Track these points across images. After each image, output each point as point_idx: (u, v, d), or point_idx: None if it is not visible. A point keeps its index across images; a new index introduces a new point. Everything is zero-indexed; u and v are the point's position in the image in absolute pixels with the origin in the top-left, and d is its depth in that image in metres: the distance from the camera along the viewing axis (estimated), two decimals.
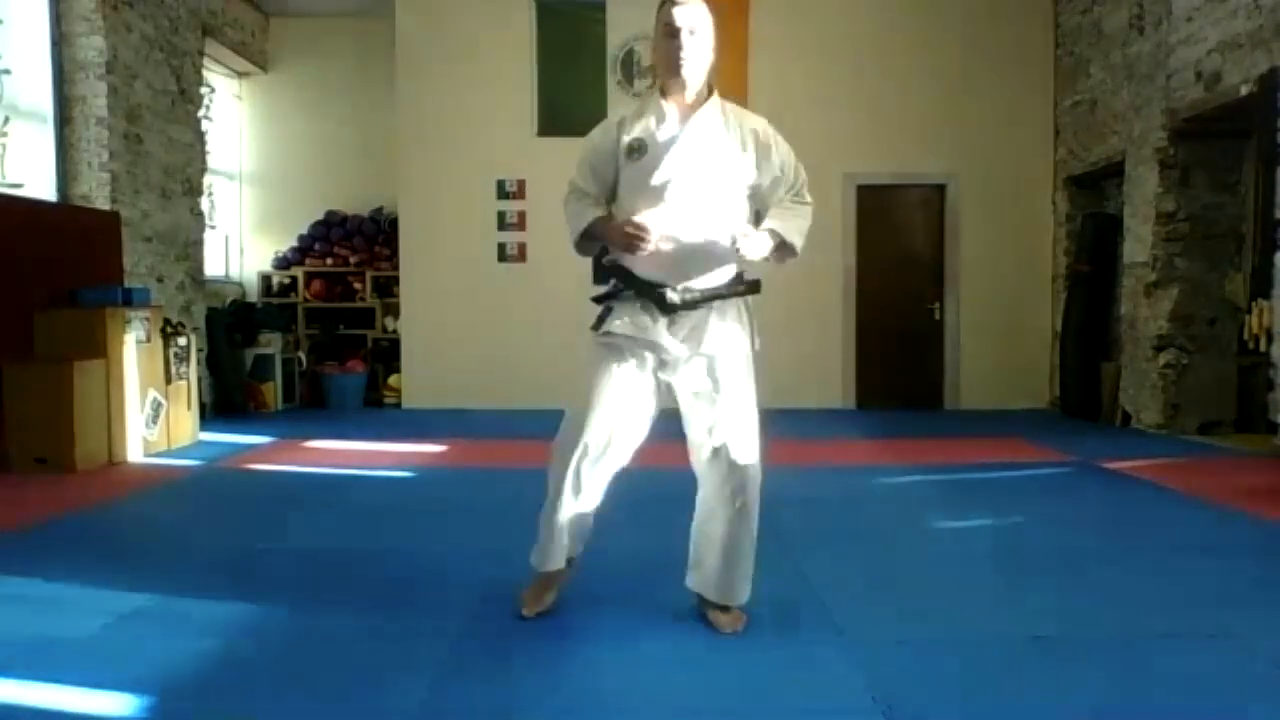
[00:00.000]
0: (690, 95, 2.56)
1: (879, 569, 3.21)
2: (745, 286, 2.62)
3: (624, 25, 7.94)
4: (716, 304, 2.56)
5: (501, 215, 8.12)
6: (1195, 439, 6.19)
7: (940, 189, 8.07)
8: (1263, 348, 5.40)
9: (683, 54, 2.49)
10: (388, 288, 8.63)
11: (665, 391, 2.62)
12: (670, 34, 2.50)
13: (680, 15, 2.49)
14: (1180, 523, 3.94)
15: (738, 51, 8.00)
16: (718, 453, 2.57)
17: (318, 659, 2.39)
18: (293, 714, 2.09)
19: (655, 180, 2.49)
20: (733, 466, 2.57)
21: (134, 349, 5.53)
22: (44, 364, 5.12)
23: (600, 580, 3.03)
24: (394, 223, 8.40)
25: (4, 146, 5.72)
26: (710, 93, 2.58)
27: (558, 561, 2.66)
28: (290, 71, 8.88)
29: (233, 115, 8.83)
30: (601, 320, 2.57)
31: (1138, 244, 6.68)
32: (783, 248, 2.58)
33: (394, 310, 8.48)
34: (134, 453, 5.47)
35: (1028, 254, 8.06)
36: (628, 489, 3.13)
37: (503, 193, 8.11)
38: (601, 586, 2.97)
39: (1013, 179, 8.01)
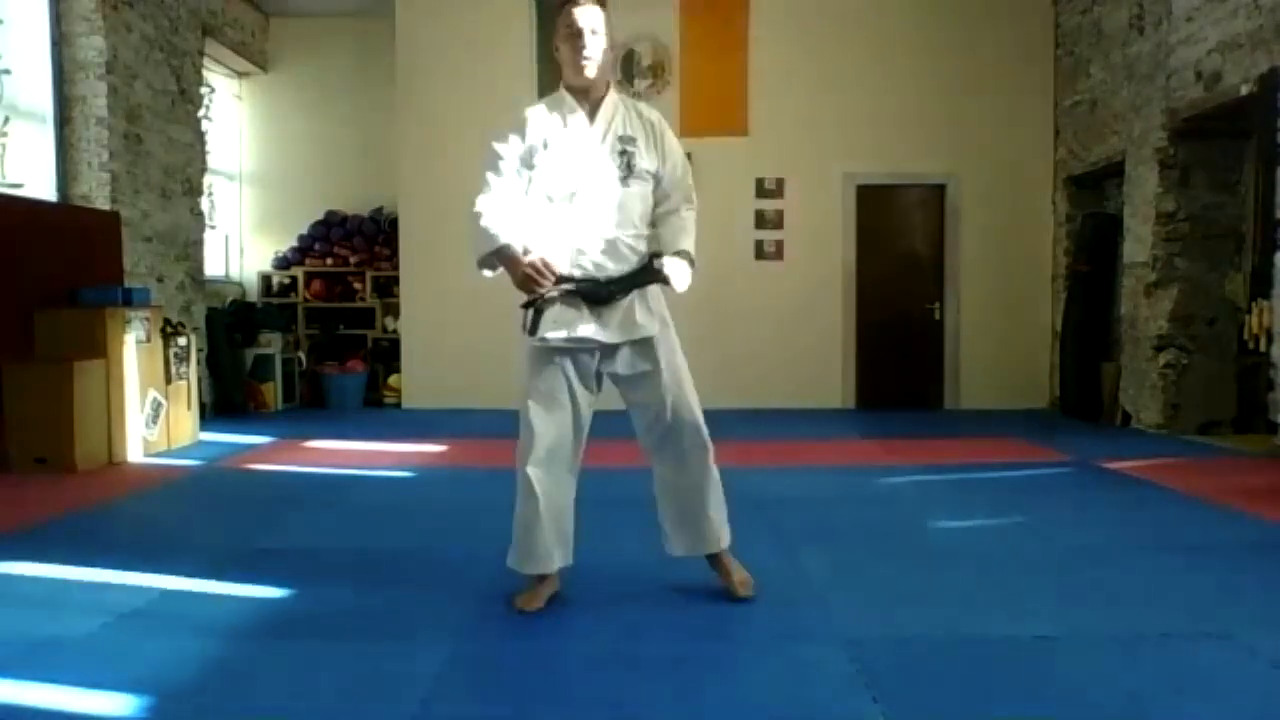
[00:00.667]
0: (594, 92, 2.73)
1: (879, 569, 3.21)
2: (656, 276, 2.72)
3: (624, 25, 7.88)
4: (637, 291, 2.71)
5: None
6: (1195, 439, 6.19)
7: (940, 189, 8.07)
8: (1263, 348, 5.41)
9: (586, 53, 2.65)
10: (388, 288, 8.63)
11: (601, 380, 2.79)
12: (573, 34, 2.66)
13: (581, 16, 2.66)
14: (1180, 523, 3.94)
15: (737, 51, 8.01)
16: (676, 422, 2.75)
17: (317, 659, 2.39)
18: (292, 714, 2.08)
19: (566, 177, 2.66)
20: (691, 431, 2.77)
21: (134, 349, 5.54)
22: (44, 364, 5.12)
23: (599, 580, 3.03)
24: (394, 223, 8.40)
25: (4, 146, 5.72)
26: (607, 88, 2.76)
27: (539, 566, 2.73)
28: (290, 71, 8.88)
29: (233, 115, 8.83)
30: (534, 324, 2.67)
31: (1138, 244, 6.68)
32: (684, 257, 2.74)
33: (394, 310, 8.48)
34: (134, 453, 5.47)
35: (1028, 254, 8.06)
36: (620, 491, 3.14)
37: None
38: (600, 587, 2.98)
39: (1013, 179, 8.02)
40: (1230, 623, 2.60)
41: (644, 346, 2.73)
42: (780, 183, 8.05)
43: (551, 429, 2.69)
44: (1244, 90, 5.50)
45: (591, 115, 2.71)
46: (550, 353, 2.70)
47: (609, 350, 2.72)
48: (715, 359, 7.65)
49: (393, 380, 8.40)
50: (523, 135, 2.70)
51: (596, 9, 2.69)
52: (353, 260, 8.65)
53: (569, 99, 2.73)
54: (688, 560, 3.01)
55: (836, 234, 8.06)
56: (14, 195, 5.57)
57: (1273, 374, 5.28)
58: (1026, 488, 4.66)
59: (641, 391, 2.77)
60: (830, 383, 8.09)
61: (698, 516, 2.82)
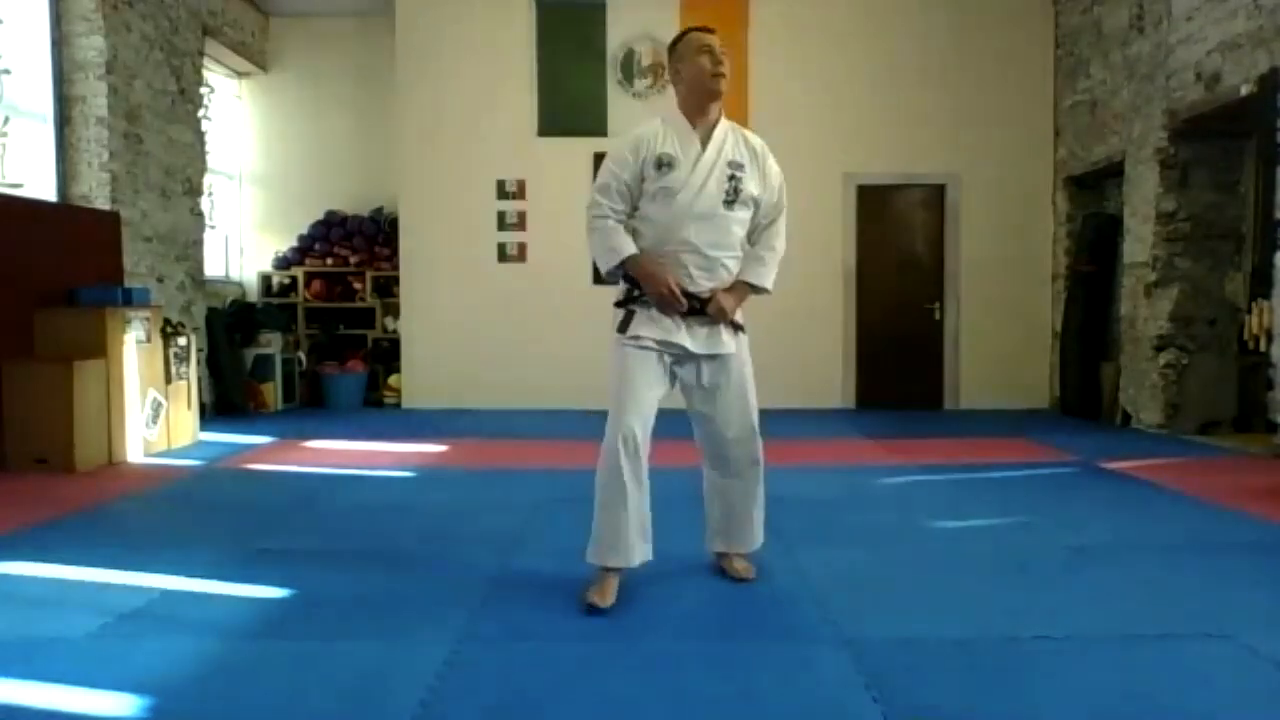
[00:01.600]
0: (711, 116, 2.88)
1: (879, 569, 3.21)
2: (738, 325, 2.97)
3: (624, 25, 7.94)
4: None
5: (501, 215, 8.12)
6: (1195, 439, 6.19)
7: (940, 189, 8.07)
8: (1263, 348, 5.41)
9: (722, 74, 2.82)
10: (388, 288, 8.63)
11: (671, 380, 2.94)
12: (711, 58, 2.82)
13: (712, 38, 2.85)
14: (1180, 523, 3.94)
15: (738, 52, 8.00)
16: (738, 434, 2.95)
17: (317, 659, 2.39)
18: (292, 714, 2.08)
19: (684, 193, 2.80)
20: (750, 443, 2.97)
21: (134, 349, 5.54)
22: (44, 364, 5.12)
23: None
24: (394, 223, 8.40)
25: (4, 146, 5.72)
26: (719, 115, 2.90)
27: (624, 559, 2.78)
28: (290, 71, 8.88)
29: (233, 115, 8.83)
30: (626, 324, 2.84)
31: (1138, 244, 6.69)
32: (755, 290, 2.94)
33: (394, 310, 8.48)
34: (134, 453, 5.47)
35: (1028, 254, 8.06)
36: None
37: (503, 193, 8.11)
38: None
39: (1013, 179, 8.02)
40: (1230, 623, 2.60)
41: (722, 362, 2.91)
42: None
43: (639, 423, 2.78)
44: (1244, 90, 5.50)
45: (705, 140, 2.85)
46: (639, 351, 2.82)
47: (689, 359, 2.88)
48: None
49: (393, 380, 8.40)
50: (636, 155, 2.84)
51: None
52: (353, 260, 8.65)
53: (683, 122, 2.87)
54: (688, 561, 3.07)
55: (836, 234, 8.06)
56: (14, 195, 5.57)
57: (1273, 374, 5.28)
58: (1027, 488, 4.66)
59: (710, 404, 2.94)
60: (830, 383, 8.09)
61: (742, 522, 3.03)
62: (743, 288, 2.91)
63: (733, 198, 2.82)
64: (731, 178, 2.83)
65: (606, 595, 2.75)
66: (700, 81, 2.84)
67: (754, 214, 2.92)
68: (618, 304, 2.88)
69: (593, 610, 2.69)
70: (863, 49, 7.99)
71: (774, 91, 7.97)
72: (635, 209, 2.87)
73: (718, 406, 2.93)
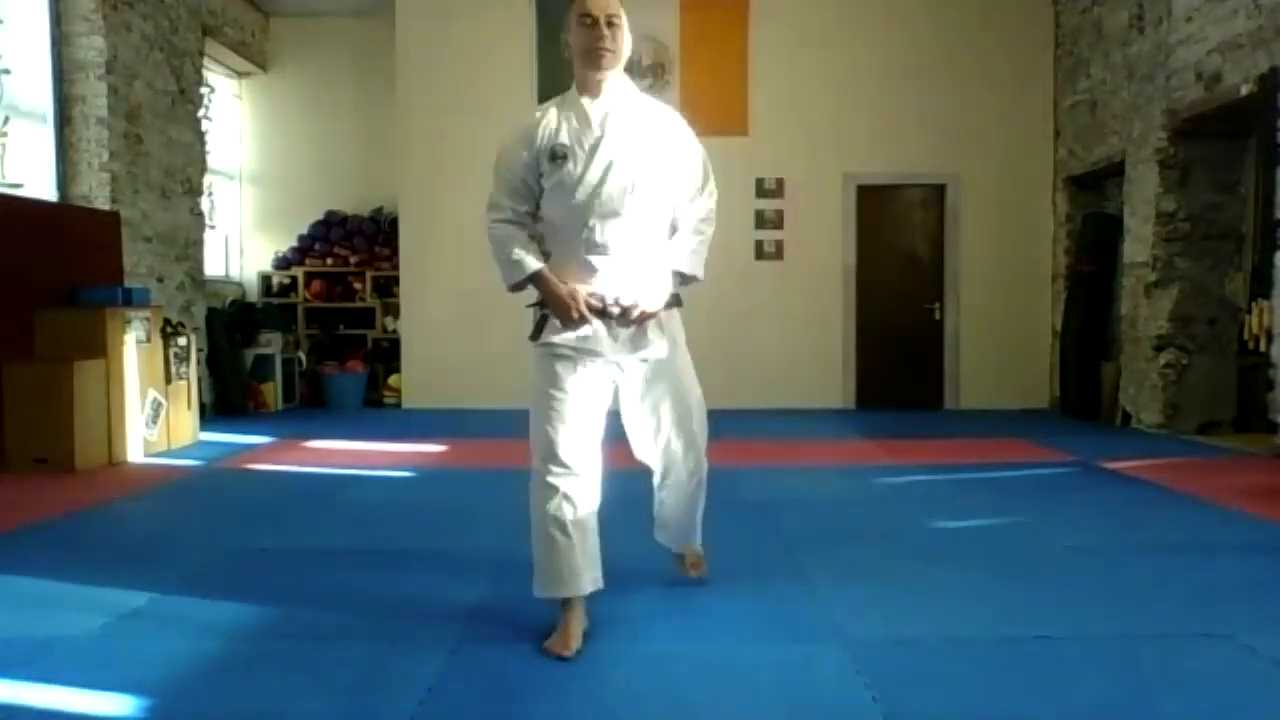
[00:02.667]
0: (608, 89, 2.51)
1: (879, 569, 3.20)
2: (672, 299, 2.61)
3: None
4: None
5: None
6: (1195, 439, 6.19)
7: (940, 189, 8.07)
8: (1263, 348, 5.40)
9: (602, 44, 2.44)
10: (388, 288, 8.63)
11: (608, 384, 2.60)
12: (587, 22, 2.45)
13: (595, 4, 2.44)
14: (1180, 523, 3.94)
15: (737, 51, 8.01)
16: (676, 440, 2.72)
17: (317, 659, 2.39)
18: (292, 714, 2.08)
19: (579, 189, 2.45)
20: (689, 451, 2.75)
21: (134, 349, 5.54)
22: (44, 364, 5.12)
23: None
24: (394, 223, 8.40)
25: (4, 146, 5.72)
26: (623, 88, 2.54)
27: (567, 588, 2.44)
28: (290, 71, 8.88)
29: (233, 115, 8.83)
30: (539, 329, 2.52)
31: (1138, 244, 6.68)
32: (686, 280, 2.63)
33: (394, 310, 8.48)
34: (134, 453, 5.47)
35: (1028, 254, 8.06)
36: (620, 491, 3.14)
37: None
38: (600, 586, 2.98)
39: (1013, 179, 8.02)
40: (1230, 623, 2.59)
41: (651, 367, 2.59)
42: (780, 183, 8.05)
43: (569, 433, 2.45)
44: (1244, 90, 5.50)
45: (605, 120, 2.48)
46: (562, 360, 2.48)
47: (617, 365, 2.55)
48: (714, 359, 7.62)
49: (393, 380, 8.40)
50: (529, 144, 2.49)
51: None
52: (353, 260, 8.65)
53: (581, 105, 2.50)
54: (687, 576, 3.03)
55: (836, 234, 8.06)
56: (14, 195, 5.57)
57: (1273, 374, 5.28)
58: (1026, 488, 4.65)
59: (644, 407, 2.66)
60: (830, 383, 8.09)
61: (689, 519, 2.94)
62: (672, 279, 2.58)
63: (644, 186, 2.47)
64: (637, 163, 2.46)
65: (566, 641, 2.38)
66: (584, 52, 2.46)
67: (671, 196, 2.57)
68: (530, 305, 2.59)
69: (560, 658, 2.35)
70: (863, 49, 7.99)
71: (774, 91, 7.98)
72: (537, 206, 2.54)
73: (653, 413, 2.64)
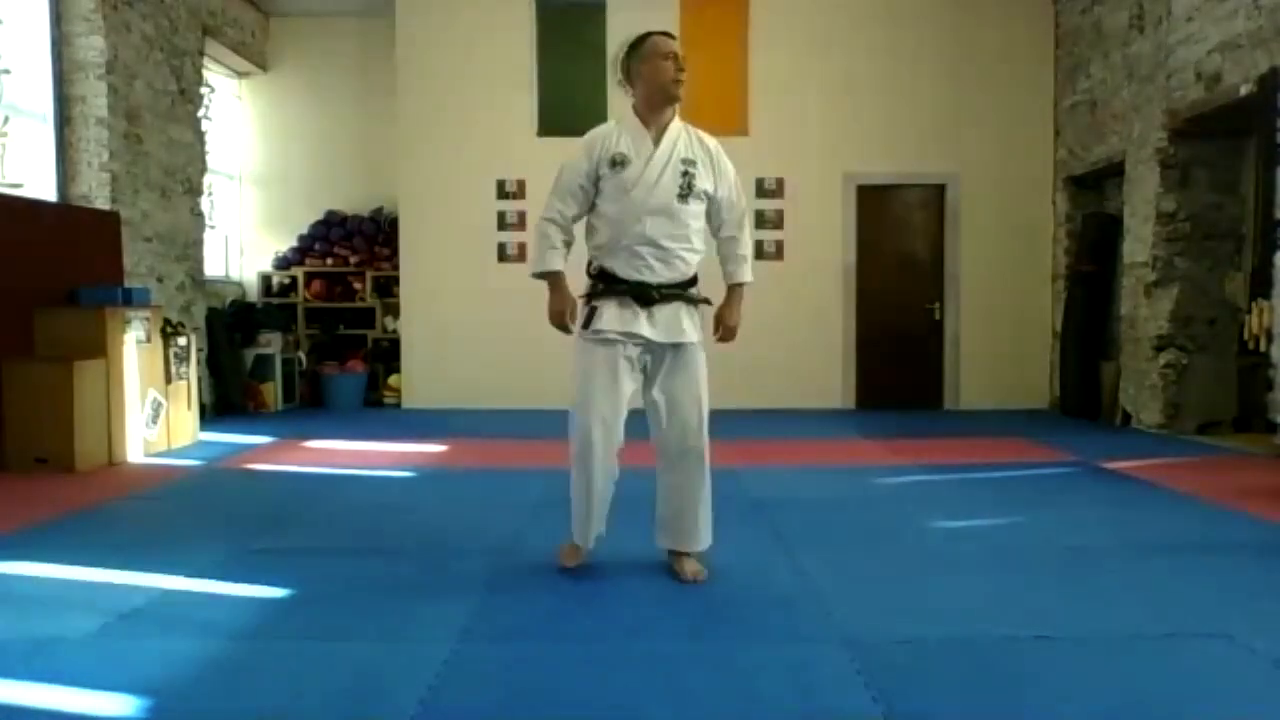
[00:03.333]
0: (665, 117, 3.01)
1: (879, 569, 3.21)
2: (703, 299, 3.09)
3: (624, 25, 7.91)
4: (683, 304, 3.01)
5: (501, 215, 8.12)
6: (1195, 439, 6.19)
7: (940, 189, 8.07)
8: (1263, 348, 5.40)
9: (677, 79, 2.97)
10: (388, 288, 8.63)
11: (641, 372, 3.05)
12: (666, 57, 2.96)
13: (674, 43, 3.00)
14: (1180, 523, 3.94)
15: (737, 51, 8.01)
16: (677, 425, 3.01)
17: (317, 659, 2.39)
18: (292, 714, 2.08)
19: (637, 189, 2.94)
20: (689, 436, 3.01)
21: (134, 349, 5.54)
22: (44, 363, 5.12)
23: (598, 580, 3.03)
24: (394, 223, 8.41)
25: (4, 146, 5.72)
26: (673, 115, 3.04)
27: (590, 540, 3.06)
28: (290, 71, 8.88)
29: (233, 115, 8.83)
30: (589, 320, 2.98)
31: (1138, 244, 6.68)
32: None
33: (394, 310, 8.48)
34: (134, 453, 5.47)
35: (1028, 254, 8.06)
36: (621, 491, 3.15)
37: (503, 193, 8.11)
38: (600, 587, 2.98)
39: (1013, 179, 8.02)
40: (1230, 623, 2.59)
41: (681, 351, 3.01)
42: (780, 183, 8.05)
43: (609, 414, 2.96)
44: (1244, 90, 5.50)
45: (657, 139, 2.98)
46: (602, 344, 2.96)
47: (652, 348, 2.99)
48: (714, 359, 7.62)
49: (393, 380, 8.40)
50: (589, 156, 2.98)
51: (677, 42, 3.02)
52: (353, 260, 8.65)
53: (636, 122, 3.01)
54: (681, 580, 3.04)
55: (836, 234, 8.06)
56: (14, 195, 5.57)
57: (1273, 374, 5.28)
58: (1026, 488, 4.65)
59: (664, 391, 3.02)
60: (830, 383, 8.09)
61: (688, 519, 3.05)
62: (737, 291, 3.13)
63: (686, 192, 2.95)
64: (685, 173, 2.95)
65: (574, 556, 3.09)
66: (661, 84, 2.96)
67: (710, 209, 3.05)
68: (582, 296, 3.03)
69: (563, 568, 3.06)
70: (863, 49, 7.99)
71: (774, 91, 7.98)
72: (592, 207, 3.02)
73: (671, 394, 3.02)
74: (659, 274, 2.95)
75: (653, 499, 3.12)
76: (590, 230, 3.06)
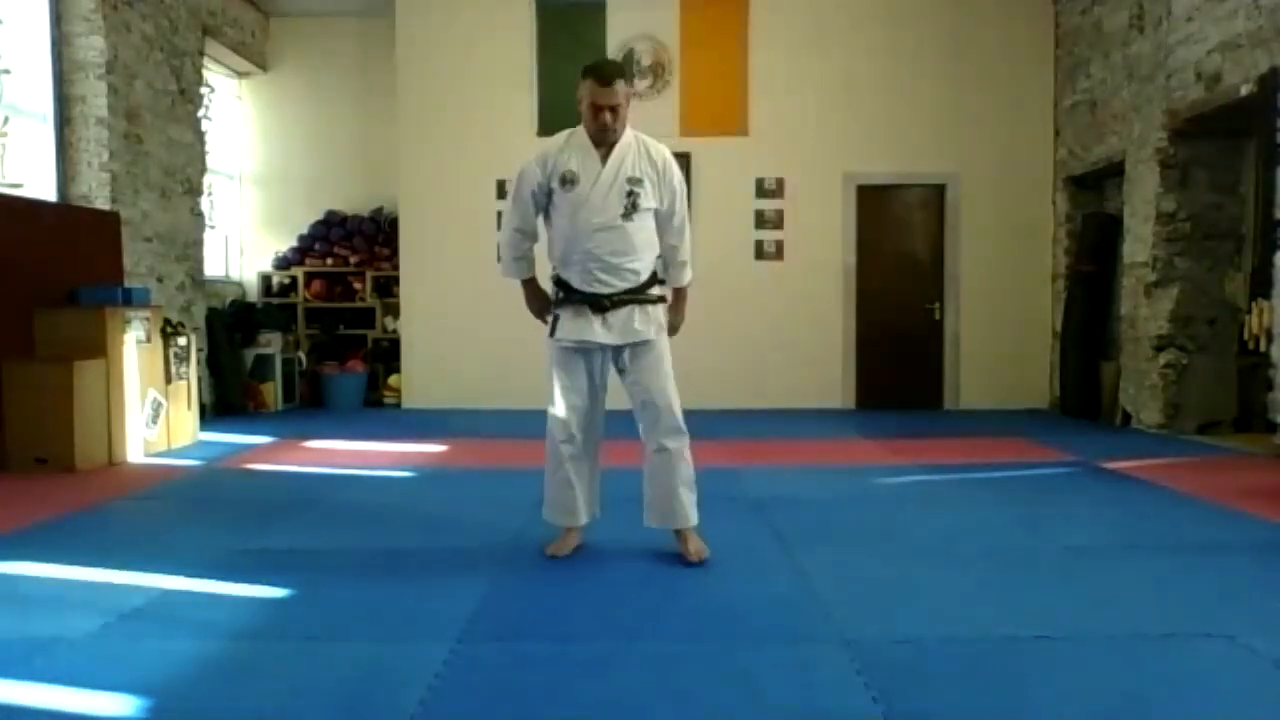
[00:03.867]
0: (613, 137, 3.12)
1: (879, 568, 3.21)
2: (657, 297, 3.25)
3: (624, 25, 7.94)
4: (636, 306, 3.17)
5: (501, 215, 8.10)
6: (1195, 439, 6.19)
7: (940, 189, 8.07)
8: (1263, 348, 5.40)
9: (608, 128, 3.07)
10: (388, 288, 8.63)
11: (610, 371, 3.29)
12: (597, 110, 3.05)
13: (604, 95, 3.04)
14: (1180, 523, 3.94)
15: (737, 51, 8.01)
16: (651, 413, 3.21)
17: (317, 659, 2.39)
18: (292, 714, 2.08)
19: (584, 209, 3.10)
20: (668, 419, 3.20)
21: (134, 349, 5.54)
22: (44, 364, 5.12)
23: (598, 580, 3.04)
24: (394, 223, 8.41)
25: (4, 146, 5.72)
26: (622, 132, 3.14)
27: (571, 519, 3.28)
28: (290, 71, 8.88)
29: (233, 115, 8.83)
30: (553, 329, 3.22)
31: (1138, 244, 6.68)
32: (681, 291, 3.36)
33: (394, 310, 8.48)
34: (134, 453, 5.47)
35: (1028, 254, 8.06)
36: (622, 490, 3.15)
37: (503, 193, 8.08)
38: (599, 586, 2.98)
39: (1013, 179, 8.02)
40: (1230, 623, 2.60)
41: (642, 347, 3.19)
42: (780, 183, 8.05)
43: (573, 411, 3.22)
44: (1244, 90, 5.50)
45: (604, 157, 3.11)
46: (568, 350, 3.21)
47: (615, 349, 3.20)
48: (715, 359, 7.66)
49: (393, 380, 8.40)
50: (543, 168, 3.15)
51: (619, 86, 3.05)
52: (353, 260, 8.65)
53: (587, 141, 3.13)
54: (687, 560, 3.07)
55: (836, 234, 8.06)
56: (14, 195, 5.57)
57: (1273, 374, 5.28)
58: (1026, 487, 4.65)
59: (634, 381, 3.23)
60: (830, 383, 8.09)
61: (669, 495, 3.21)
62: (680, 293, 3.33)
63: (630, 211, 3.10)
64: (630, 193, 3.10)
65: (562, 547, 3.28)
66: (592, 131, 3.11)
67: (657, 219, 3.21)
68: (548, 312, 3.28)
69: (552, 557, 3.24)
70: (863, 49, 7.99)
71: (774, 91, 7.98)
72: (547, 214, 3.24)
73: (636, 387, 3.23)
74: (610, 285, 3.13)
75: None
76: (549, 242, 3.26)
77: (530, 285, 3.33)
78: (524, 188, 3.20)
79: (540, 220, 3.30)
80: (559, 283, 3.22)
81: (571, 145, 3.15)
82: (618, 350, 3.21)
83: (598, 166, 3.10)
